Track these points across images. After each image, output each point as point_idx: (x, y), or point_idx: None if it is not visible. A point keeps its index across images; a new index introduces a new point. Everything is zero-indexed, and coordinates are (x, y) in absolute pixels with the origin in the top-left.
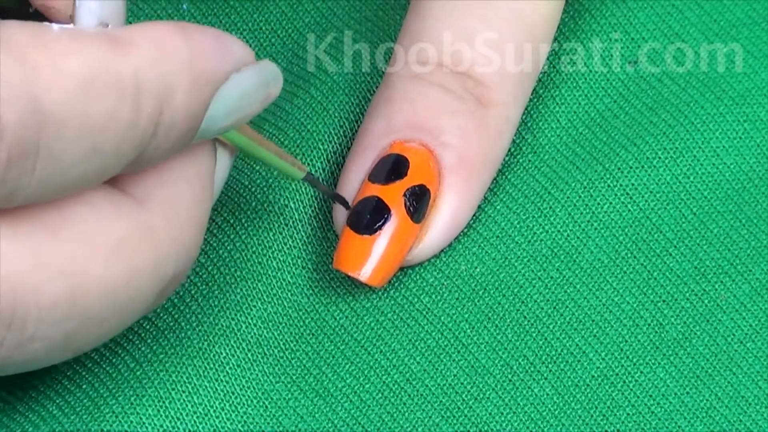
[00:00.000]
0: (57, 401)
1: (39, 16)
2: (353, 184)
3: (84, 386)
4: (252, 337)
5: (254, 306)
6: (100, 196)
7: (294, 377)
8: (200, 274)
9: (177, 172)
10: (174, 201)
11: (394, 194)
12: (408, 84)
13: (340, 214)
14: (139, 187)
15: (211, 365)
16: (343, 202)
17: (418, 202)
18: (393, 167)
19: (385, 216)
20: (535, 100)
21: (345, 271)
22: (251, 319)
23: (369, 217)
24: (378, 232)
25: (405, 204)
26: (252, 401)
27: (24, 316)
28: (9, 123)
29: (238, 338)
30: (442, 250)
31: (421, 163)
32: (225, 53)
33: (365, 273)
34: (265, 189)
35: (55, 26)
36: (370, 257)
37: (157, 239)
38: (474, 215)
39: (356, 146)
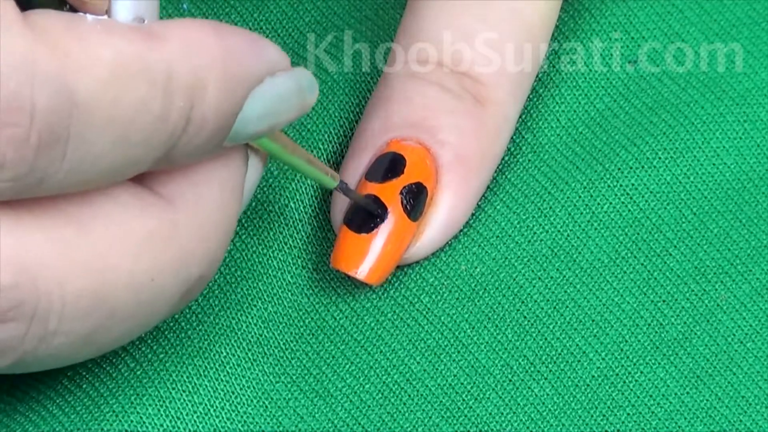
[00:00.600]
0: (57, 401)
1: (74, 12)
2: (351, 183)
3: (84, 386)
4: (252, 336)
5: (254, 306)
6: (128, 193)
7: (294, 377)
8: None
9: (207, 174)
10: (202, 203)
11: (390, 192)
12: (406, 83)
13: (338, 213)
14: (168, 187)
15: (212, 365)
16: (379, 210)
17: (415, 200)
18: (389, 166)
19: (382, 214)
20: (535, 99)
21: (342, 270)
22: (251, 318)
23: (366, 215)
24: (375, 231)
25: (402, 202)
26: (252, 401)
27: (47, 309)
28: (40, 108)
29: (238, 338)
30: (442, 249)
31: (418, 161)
32: (259, 55)
33: (362, 271)
34: (266, 189)
35: (89, 17)
36: (368, 256)
37: (183, 239)
38: (474, 215)
39: (354, 145)
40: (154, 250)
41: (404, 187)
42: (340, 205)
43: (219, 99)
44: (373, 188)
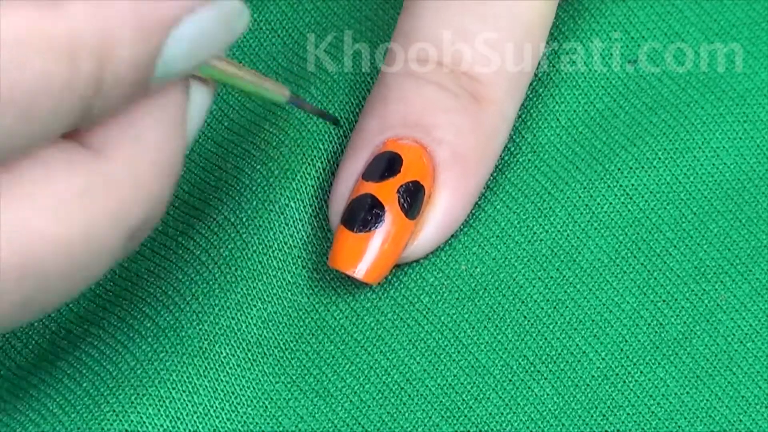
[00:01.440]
0: (57, 399)
1: None
2: (348, 183)
3: (84, 384)
4: (252, 337)
5: (254, 306)
6: (52, 152)
7: (294, 377)
8: (201, 272)
9: (140, 116)
10: (136, 147)
11: (387, 191)
12: (403, 83)
13: (336, 213)
14: (97, 137)
15: (212, 365)
16: (335, 121)
17: (413, 198)
18: (386, 165)
19: (380, 214)
20: (535, 99)
21: (340, 269)
22: (251, 318)
23: (363, 215)
24: (373, 230)
25: (399, 201)
26: (252, 401)
27: None
28: None
29: (238, 338)
30: (441, 249)
31: (415, 160)
32: None
33: (360, 270)
34: (266, 188)
35: None
36: (366, 255)
37: (116, 189)
38: (474, 214)
39: (351, 145)
40: (85, 207)
41: (401, 186)
42: (338, 205)
43: (131, 54)
44: (370, 188)
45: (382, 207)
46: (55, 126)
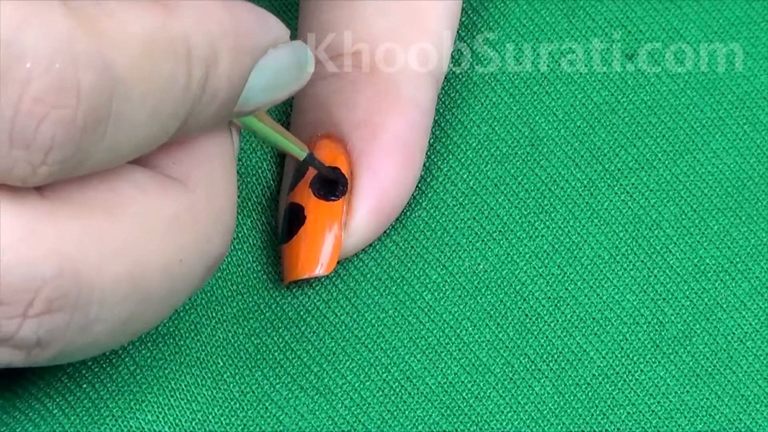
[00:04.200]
0: (57, 400)
1: None
2: (282, 205)
3: (84, 386)
4: (251, 346)
5: (251, 318)
6: (146, 179)
7: (294, 375)
8: None
9: (208, 151)
10: (210, 180)
11: (301, 191)
12: (298, 102)
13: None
14: (178, 171)
15: (209, 374)
16: (343, 182)
17: (326, 182)
18: (297, 172)
19: (300, 214)
20: (530, 95)
21: (295, 279)
22: (248, 330)
23: (288, 225)
24: (296, 233)
25: (314, 193)
26: (252, 404)
27: (89, 297)
28: (86, 87)
29: (236, 348)
30: (446, 243)
31: (322, 153)
32: (264, 27)
33: (309, 271)
34: (261, 202)
35: None
36: (306, 254)
37: (202, 217)
38: (476, 207)
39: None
40: (180, 231)
41: (311, 179)
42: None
43: (230, 69)
44: (290, 198)
45: (300, 207)
46: (170, 129)
